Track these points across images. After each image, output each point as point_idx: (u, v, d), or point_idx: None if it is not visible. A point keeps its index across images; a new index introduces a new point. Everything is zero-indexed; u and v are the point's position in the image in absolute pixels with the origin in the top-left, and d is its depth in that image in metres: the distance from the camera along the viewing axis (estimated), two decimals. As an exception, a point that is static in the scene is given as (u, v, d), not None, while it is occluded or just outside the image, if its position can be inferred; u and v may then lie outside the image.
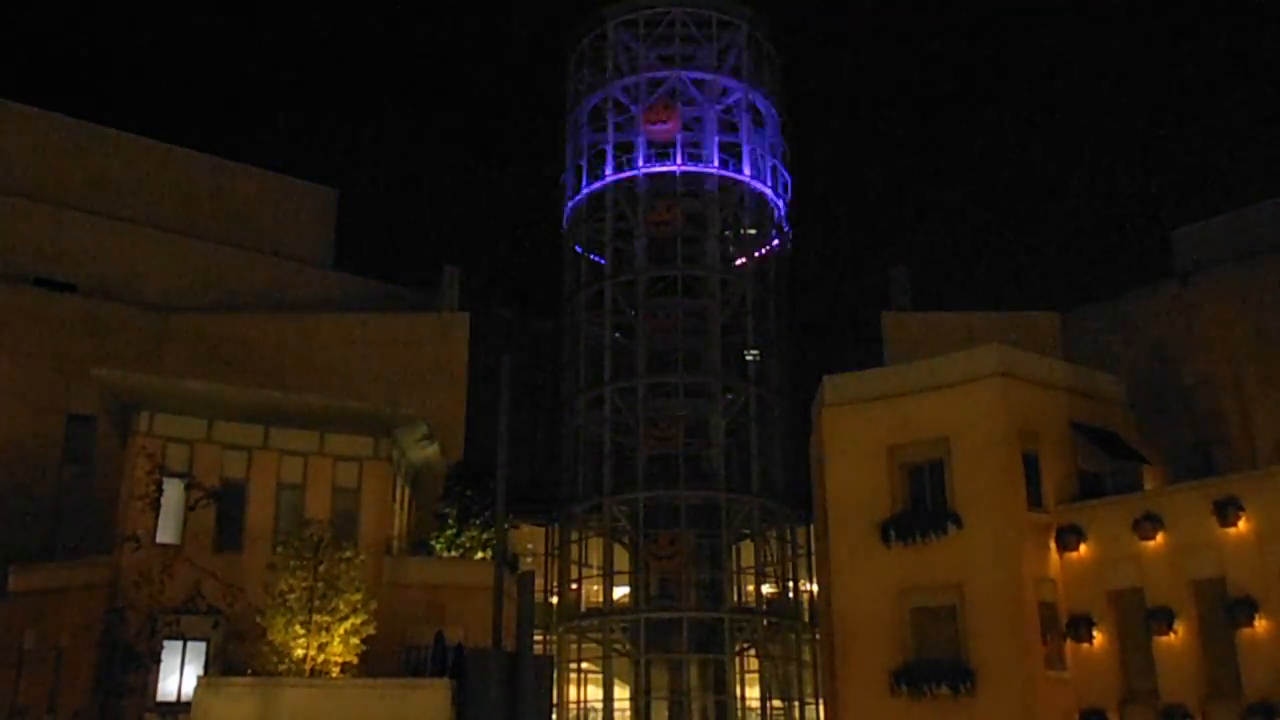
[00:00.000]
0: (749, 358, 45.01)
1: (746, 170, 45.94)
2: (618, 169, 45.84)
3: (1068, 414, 34.20)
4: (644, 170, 45.37)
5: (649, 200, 44.99)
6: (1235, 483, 30.66)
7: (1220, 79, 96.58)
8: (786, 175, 47.82)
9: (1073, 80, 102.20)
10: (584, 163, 47.25)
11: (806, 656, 42.24)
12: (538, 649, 38.19)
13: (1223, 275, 41.19)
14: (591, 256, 46.67)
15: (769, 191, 46.29)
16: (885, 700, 32.29)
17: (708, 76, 46.48)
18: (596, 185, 46.16)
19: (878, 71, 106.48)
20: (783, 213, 46.90)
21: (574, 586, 42.73)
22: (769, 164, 46.94)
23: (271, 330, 46.59)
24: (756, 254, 45.97)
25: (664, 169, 45.37)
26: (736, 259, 46.30)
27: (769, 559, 42.81)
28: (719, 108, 46.68)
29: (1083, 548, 32.21)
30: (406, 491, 39.42)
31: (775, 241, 46.52)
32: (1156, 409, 39.17)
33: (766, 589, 42.24)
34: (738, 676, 40.95)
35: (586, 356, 45.28)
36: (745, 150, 46.30)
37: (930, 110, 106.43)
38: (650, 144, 45.93)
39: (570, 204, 47.11)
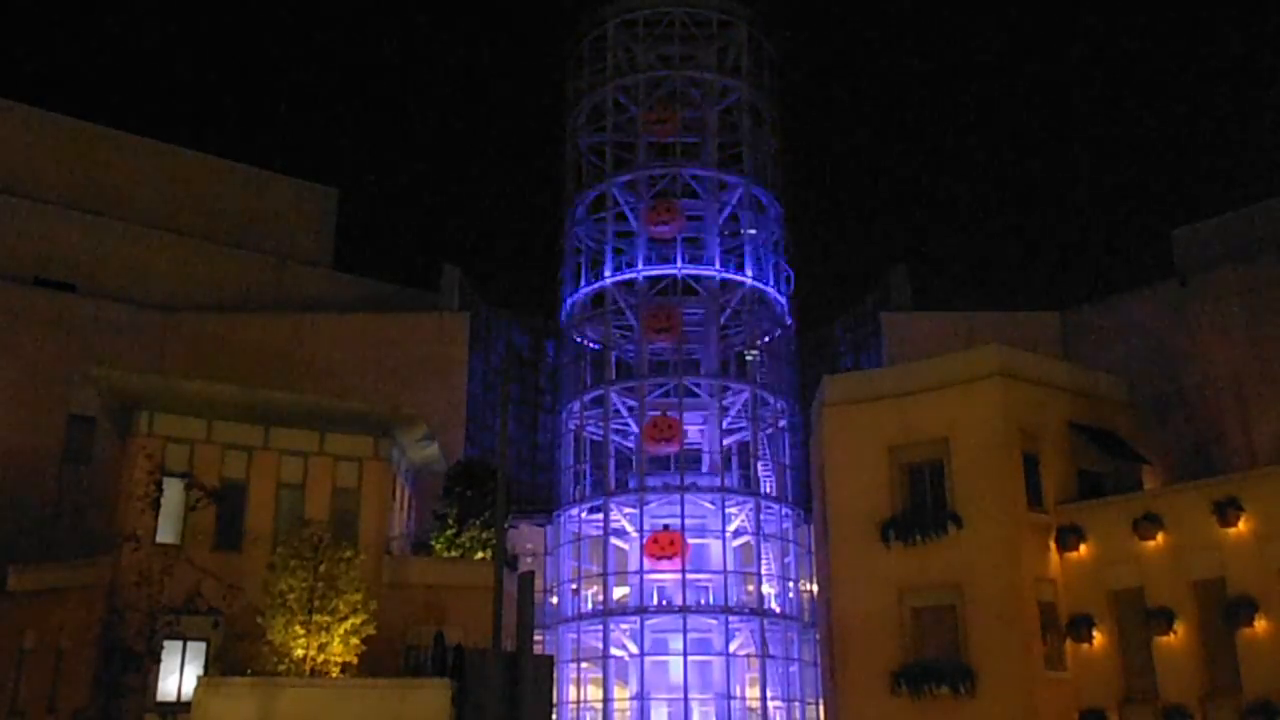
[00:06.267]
0: (749, 358, 45.05)
1: (747, 170, 45.98)
2: (617, 169, 45.89)
3: (1068, 414, 34.18)
4: (644, 172, 45.40)
5: (650, 200, 45.04)
6: (1235, 483, 30.66)
7: (1220, 79, 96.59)
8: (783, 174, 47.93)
9: (1074, 80, 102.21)
10: (583, 163, 47.31)
11: (806, 656, 42.28)
12: (538, 649, 38.25)
13: (1223, 275, 41.18)
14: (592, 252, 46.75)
15: (765, 195, 46.31)
16: (885, 700, 32.28)
17: (708, 76, 46.51)
18: (597, 187, 46.25)
19: (877, 71, 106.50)
20: (780, 212, 46.92)
21: (574, 587, 42.75)
22: (768, 164, 47.00)
23: (271, 330, 46.57)
24: (754, 249, 46.03)
25: (665, 171, 45.41)
26: (739, 257, 46.42)
27: (769, 559, 42.82)
28: (719, 107, 46.77)
29: (1083, 548, 32.20)
30: (406, 491, 39.42)
31: (775, 233, 46.59)
32: (1156, 409, 39.15)
33: (766, 589, 42.26)
34: (738, 676, 40.98)
35: (588, 356, 45.36)
36: (745, 151, 46.36)
37: (931, 110, 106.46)
38: (650, 143, 46.03)
39: (570, 204, 47.13)
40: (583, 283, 45.77)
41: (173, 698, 31.06)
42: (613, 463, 43.62)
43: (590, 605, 42.65)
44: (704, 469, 43.30)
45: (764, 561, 42.43)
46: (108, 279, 46.06)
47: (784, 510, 43.05)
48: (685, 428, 42.31)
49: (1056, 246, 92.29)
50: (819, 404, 36.83)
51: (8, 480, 39.88)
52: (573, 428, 44.41)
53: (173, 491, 32.55)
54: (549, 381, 51.21)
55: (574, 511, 43.32)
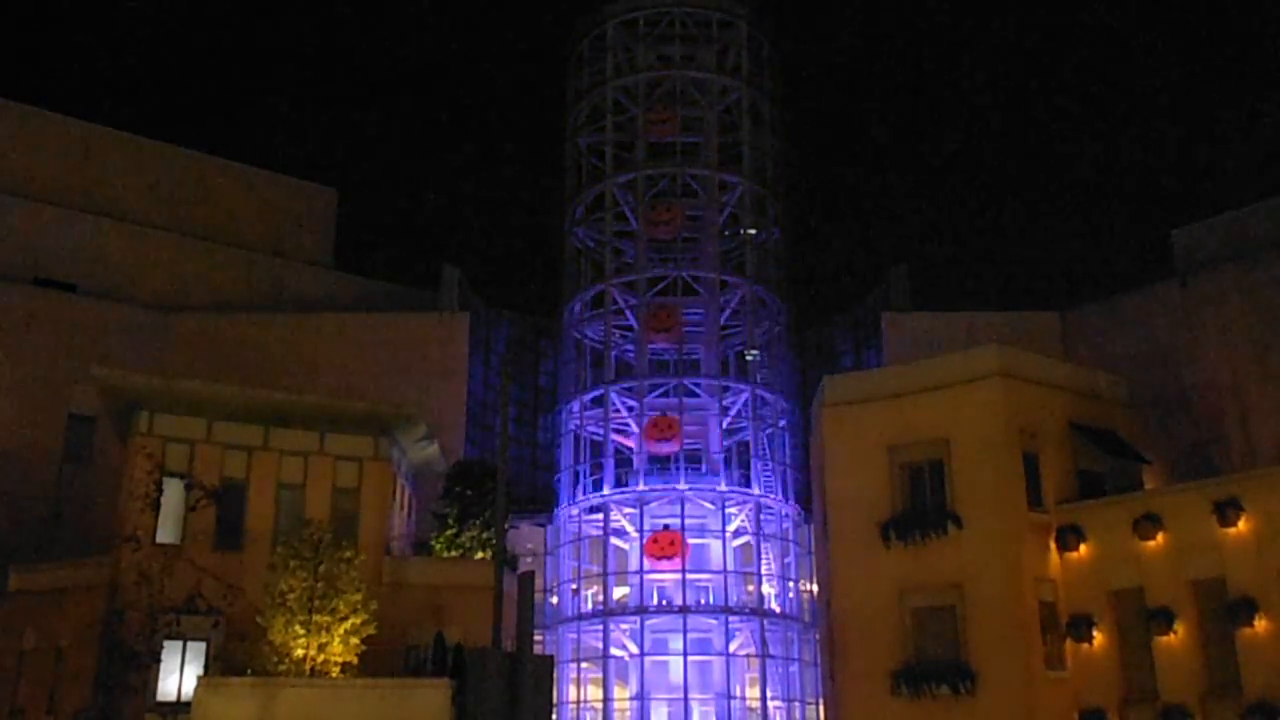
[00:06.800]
0: (749, 358, 45.08)
1: (746, 171, 45.98)
2: (616, 169, 45.89)
3: (1068, 414, 34.18)
4: (644, 172, 45.41)
5: (649, 200, 45.04)
6: (1235, 483, 30.66)
7: (1220, 79, 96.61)
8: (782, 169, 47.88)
9: (1073, 80, 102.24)
10: (583, 163, 47.33)
11: (806, 656, 42.28)
12: (538, 649, 38.25)
13: (1223, 275, 41.19)
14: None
15: (765, 196, 46.33)
16: (885, 700, 32.28)
17: (707, 76, 46.52)
18: (597, 187, 46.26)
19: (878, 70, 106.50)
20: (780, 212, 46.96)
21: (574, 587, 42.76)
22: (768, 164, 47.03)
23: (271, 330, 46.58)
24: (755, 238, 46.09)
25: (664, 171, 45.43)
26: (739, 257, 46.52)
27: (769, 559, 42.84)
28: (719, 107, 46.80)
29: (1083, 548, 32.20)
30: (406, 491, 39.42)
31: (775, 233, 46.63)
32: (1156, 409, 39.16)
33: (766, 589, 42.28)
34: (738, 676, 40.98)
35: (587, 356, 45.37)
36: (745, 152, 46.35)
37: (931, 109, 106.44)
38: (650, 144, 46.04)
39: (570, 204, 47.15)
40: (583, 283, 45.80)
41: (173, 698, 31.05)
42: (612, 463, 43.62)
43: (590, 605, 42.65)
44: (704, 469, 43.30)
45: (764, 561, 42.44)
46: (108, 279, 46.07)
47: (784, 510, 43.05)
48: (685, 428, 42.30)
49: (1056, 246, 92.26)
50: (819, 404, 36.83)
51: (8, 480, 39.89)
52: (573, 428, 44.41)
53: (173, 491, 32.57)
54: (549, 380, 51.19)
55: (574, 511, 43.32)
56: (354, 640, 30.32)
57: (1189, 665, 29.96)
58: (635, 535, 41.70)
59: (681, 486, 41.47)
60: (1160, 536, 30.97)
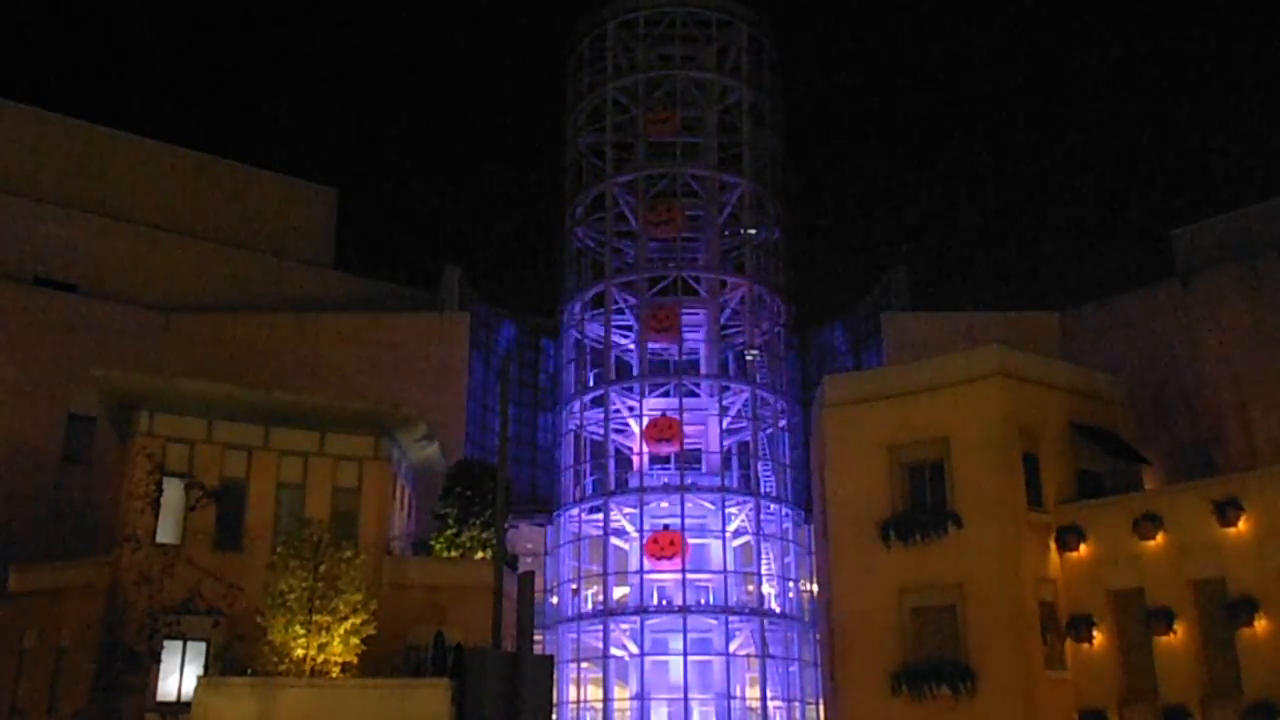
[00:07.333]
0: (749, 358, 45.09)
1: (746, 171, 45.98)
2: (616, 169, 45.88)
3: (1068, 414, 34.17)
4: (644, 173, 45.38)
5: (649, 200, 45.03)
6: (1235, 483, 30.66)
7: (1220, 79, 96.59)
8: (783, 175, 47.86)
9: (1073, 80, 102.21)
10: (584, 163, 47.32)
11: (806, 656, 42.29)
12: (538, 649, 38.25)
13: (1223, 275, 41.19)
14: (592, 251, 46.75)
15: (765, 195, 46.36)
16: (885, 700, 32.27)
17: (708, 76, 46.53)
18: (597, 187, 46.25)
19: (877, 70, 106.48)
20: (780, 212, 46.96)
21: (574, 587, 42.76)
22: (768, 164, 47.02)
23: (271, 330, 46.55)
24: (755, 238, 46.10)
25: (664, 171, 45.40)
26: (739, 257, 46.54)
27: (769, 559, 42.84)
28: (719, 107, 46.81)
29: (1083, 548, 32.20)
30: (406, 491, 39.43)
31: (775, 233, 46.62)
32: (1156, 409, 39.16)
33: (766, 589, 42.28)
34: (738, 676, 40.99)
35: (588, 356, 45.37)
36: (745, 152, 46.35)
37: (931, 109, 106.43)
38: (650, 144, 46.02)
39: (570, 204, 47.14)
40: (583, 283, 45.80)
41: (173, 698, 31.06)
42: (613, 463, 43.62)
43: (590, 605, 42.66)
44: (704, 469, 43.30)
45: (764, 561, 42.45)
46: (108, 279, 46.04)
47: (784, 510, 43.06)
48: (685, 428, 42.29)
49: (1056, 246, 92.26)
50: (819, 404, 36.82)
51: (8, 480, 39.88)
52: (573, 428, 44.41)
53: (173, 491, 32.57)
54: (549, 381, 51.20)
55: (574, 511, 43.32)
56: (354, 640, 30.32)
57: (1189, 665, 29.95)
58: (635, 535, 41.71)
59: (681, 487, 41.45)
60: (1160, 536, 30.97)
